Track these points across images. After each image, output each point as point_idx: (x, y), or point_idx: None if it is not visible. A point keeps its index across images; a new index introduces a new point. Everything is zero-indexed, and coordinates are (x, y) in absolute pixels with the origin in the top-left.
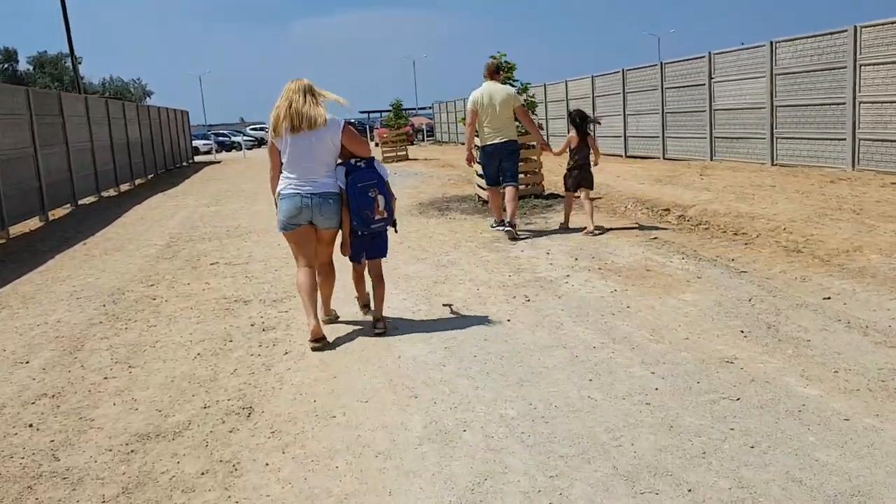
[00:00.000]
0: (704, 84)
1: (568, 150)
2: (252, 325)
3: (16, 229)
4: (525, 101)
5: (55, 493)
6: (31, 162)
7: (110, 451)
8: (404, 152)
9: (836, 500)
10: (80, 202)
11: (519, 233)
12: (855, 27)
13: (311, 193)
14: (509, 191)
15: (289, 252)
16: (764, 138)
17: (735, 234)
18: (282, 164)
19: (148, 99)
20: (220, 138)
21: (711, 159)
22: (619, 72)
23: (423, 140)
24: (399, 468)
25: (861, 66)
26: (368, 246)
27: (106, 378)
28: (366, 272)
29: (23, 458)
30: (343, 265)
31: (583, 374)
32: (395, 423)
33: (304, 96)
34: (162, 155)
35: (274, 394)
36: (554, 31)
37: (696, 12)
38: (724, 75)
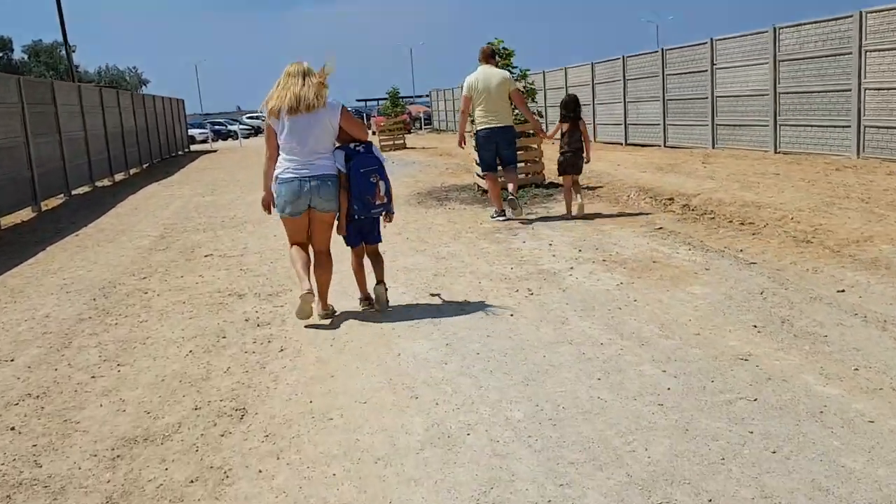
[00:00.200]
0: (706, 70)
1: (560, 134)
2: (246, 320)
3: (7, 220)
4: (525, 87)
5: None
6: (22, 151)
7: (95, 456)
8: (402, 141)
9: None
10: (73, 192)
11: (518, 210)
12: (860, 12)
13: (310, 176)
14: (509, 172)
15: (283, 245)
16: (767, 125)
17: (742, 223)
18: (279, 146)
19: (144, 88)
20: (217, 127)
21: (713, 147)
22: (619, 59)
23: (420, 128)
24: (399, 475)
25: (866, 51)
26: (365, 231)
27: (93, 377)
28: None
29: (2, 463)
30: (340, 256)
31: (591, 373)
32: (395, 425)
33: (303, 79)
34: (157, 144)
35: (268, 394)
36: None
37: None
38: (726, 62)
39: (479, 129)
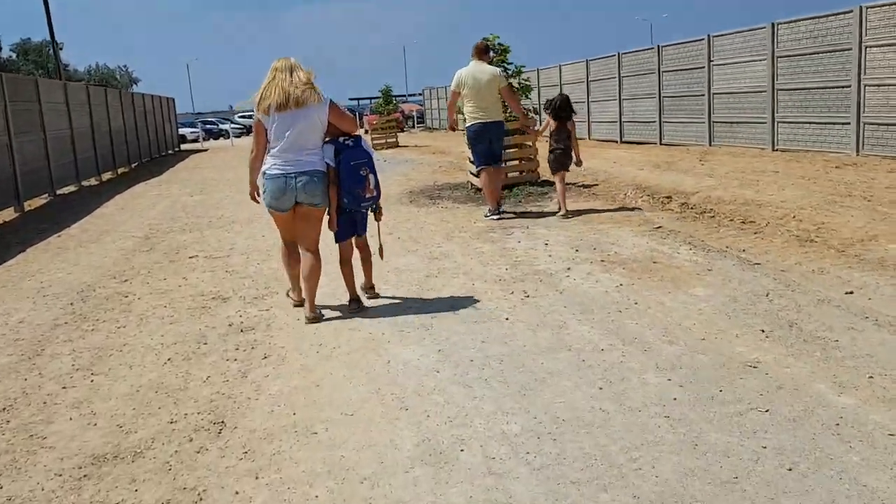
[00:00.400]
0: (703, 67)
1: (548, 132)
2: (230, 325)
3: None
4: (519, 84)
5: None
6: (4, 150)
7: (60, 475)
8: (394, 139)
9: None
10: (58, 192)
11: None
12: (860, 7)
13: (296, 173)
14: (494, 171)
15: (271, 246)
16: (765, 123)
17: (743, 222)
18: (268, 142)
19: (135, 86)
20: (208, 126)
21: (710, 144)
22: (614, 55)
23: (413, 127)
24: (387, 497)
25: (867, 47)
26: (357, 223)
27: (64, 388)
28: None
29: None
30: (328, 256)
31: (592, 382)
32: (383, 440)
33: (291, 74)
34: (147, 143)
35: (249, 405)
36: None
37: None
38: (723, 58)
39: (469, 124)
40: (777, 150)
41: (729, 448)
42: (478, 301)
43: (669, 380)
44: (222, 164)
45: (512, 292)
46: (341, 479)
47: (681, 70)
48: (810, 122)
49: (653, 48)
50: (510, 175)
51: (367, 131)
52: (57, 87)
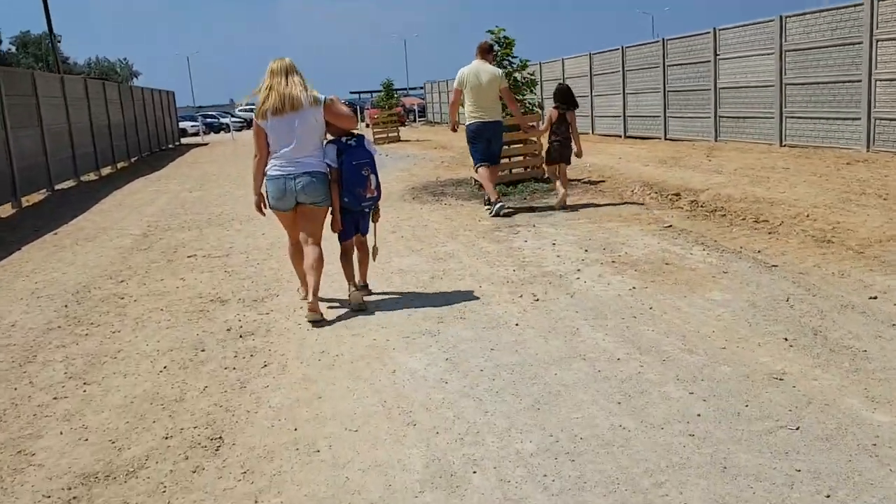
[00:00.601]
0: (709, 61)
1: (550, 124)
2: (228, 329)
3: None
4: (524, 79)
5: None
6: (1, 145)
7: (48, 497)
8: (395, 134)
9: None
10: (56, 187)
11: (508, 208)
12: (871, 0)
13: (296, 174)
14: (491, 169)
15: (271, 245)
16: (772, 118)
17: (756, 221)
18: (268, 146)
19: (135, 80)
20: (209, 120)
21: (716, 140)
22: (618, 49)
23: (414, 121)
24: None
25: (878, 41)
26: (359, 222)
27: (56, 398)
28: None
29: None
30: (330, 252)
31: (609, 395)
32: (390, 460)
33: (286, 77)
34: (146, 137)
35: (248, 419)
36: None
37: None
38: (730, 52)
39: (468, 122)
40: (785, 145)
41: (760, 471)
42: (486, 305)
43: (691, 393)
44: (222, 159)
45: (521, 295)
46: (346, 503)
47: (686, 64)
48: (820, 118)
49: (658, 41)
50: (515, 171)
51: (367, 125)
52: (54, 80)
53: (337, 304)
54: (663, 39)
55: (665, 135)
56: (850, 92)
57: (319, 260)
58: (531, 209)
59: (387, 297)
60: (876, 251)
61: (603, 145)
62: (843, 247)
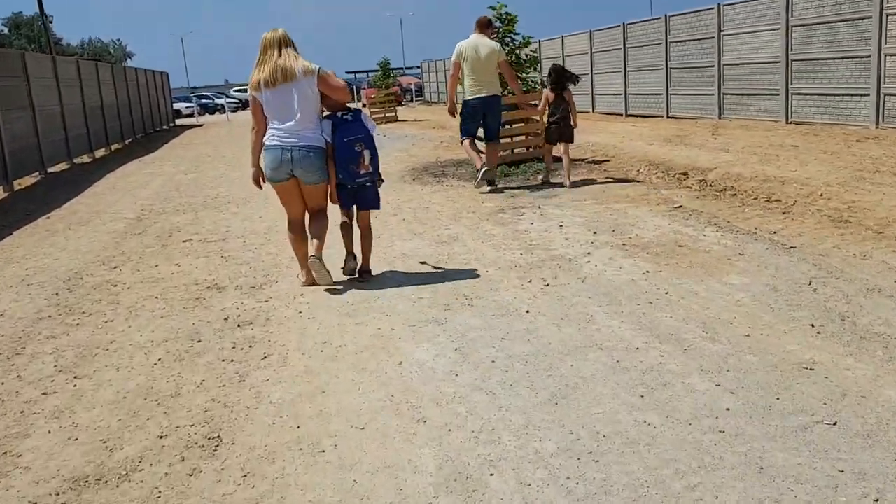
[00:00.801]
0: (713, 37)
1: (547, 105)
2: (226, 318)
3: None
4: (527, 56)
5: None
6: None
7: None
8: (393, 113)
9: None
10: (49, 170)
11: (499, 185)
12: None
13: (293, 146)
14: (491, 147)
15: (269, 229)
16: (778, 94)
17: (768, 200)
18: (265, 119)
19: (129, 60)
20: (203, 101)
21: (720, 117)
22: (619, 26)
23: (411, 100)
24: None
25: (888, 15)
26: (359, 197)
27: (44, 394)
28: (354, 223)
29: None
30: (332, 260)
31: (631, 388)
32: (400, 461)
33: (280, 49)
34: (140, 118)
35: (248, 416)
36: None
37: None
38: (734, 28)
39: (467, 98)
40: (791, 122)
41: (800, 472)
42: (494, 291)
43: (718, 385)
44: (217, 140)
45: (530, 280)
46: None
47: (689, 41)
48: (827, 94)
49: (660, 18)
50: (517, 151)
51: (364, 105)
52: (46, 61)
53: (339, 289)
54: (666, 16)
55: (667, 113)
56: (859, 67)
57: (324, 223)
58: (533, 188)
59: (390, 282)
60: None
61: (604, 123)
62: (861, 227)
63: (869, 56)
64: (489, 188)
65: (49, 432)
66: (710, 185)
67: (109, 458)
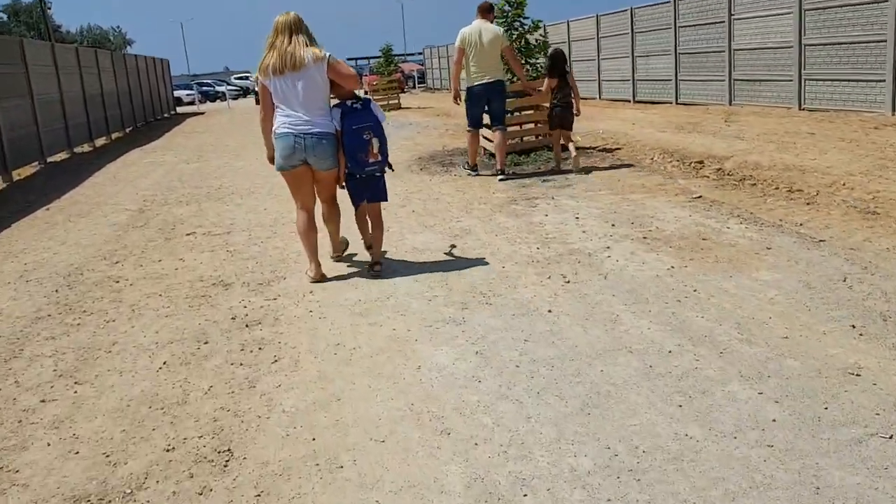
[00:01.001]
0: (724, 22)
1: (550, 90)
2: (233, 318)
3: None
4: (536, 41)
5: None
6: None
7: None
8: (396, 101)
9: None
10: (49, 159)
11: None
12: None
13: (305, 133)
14: (498, 136)
15: (275, 221)
16: (791, 80)
17: (790, 191)
18: (273, 104)
19: (129, 48)
20: (204, 88)
21: (731, 104)
22: (626, 10)
23: (413, 87)
24: None
25: None
26: (367, 189)
27: (43, 401)
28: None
29: None
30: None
31: (667, 396)
32: (425, 479)
33: (290, 36)
34: (141, 106)
35: (260, 427)
36: None
37: None
38: (745, 11)
39: (471, 84)
40: (804, 109)
41: (861, 493)
42: (512, 288)
43: (760, 393)
44: (219, 128)
45: (549, 276)
46: None
47: (699, 25)
48: (841, 80)
49: (669, 2)
50: (526, 139)
51: (366, 92)
52: (44, 48)
53: (350, 285)
54: (675, 0)
55: (676, 99)
56: (875, 53)
57: (335, 212)
58: (542, 176)
59: (403, 278)
60: None
61: (612, 110)
62: (890, 218)
63: (885, 41)
64: (500, 178)
65: (48, 445)
66: (729, 175)
67: (113, 475)
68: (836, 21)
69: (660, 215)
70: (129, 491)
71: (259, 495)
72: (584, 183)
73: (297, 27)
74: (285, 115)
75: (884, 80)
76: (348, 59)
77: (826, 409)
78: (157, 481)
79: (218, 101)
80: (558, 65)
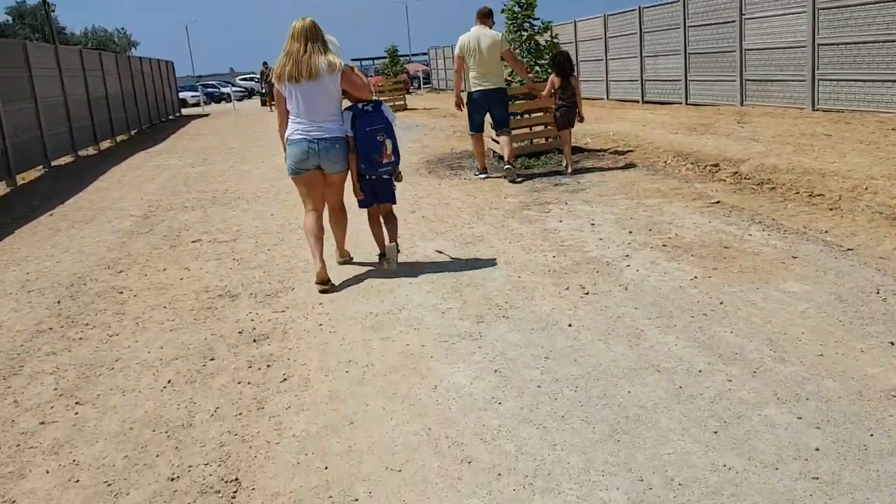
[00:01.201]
0: (734, 21)
1: (553, 90)
2: (240, 332)
3: None
4: (546, 42)
5: None
6: None
7: None
8: (402, 102)
9: None
10: (53, 163)
11: (518, 177)
12: None
13: (318, 139)
14: (504, 139)
15: (282, 227)
16: (804, 80)
17: (811, 195)
18: (288, 110)
19: (133, 49)
20: (209, 90)
21: (742, 104)
22: (635, 10)
23: (418, 88)
24: None
25: None
26: (377, 191)
27: (43, 423)
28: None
29: None
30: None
31: (701, 421)
32: None
33: (305, 44)
34: (146, 109)
35: (269, 453)
36: None
37: None
38: (757, 11)
39: (471, 90)
40: (818, 109)
41: None
42: (529, 300)
43: (800, 418)
44: (224, 130)
45: (567, 287)
46: None
47: (709, 25)
48: (856, 80)
49: (678, 1)
50: (536, 142)
51: (371, 93)
52: (48, 51)
53: (361, 297)
54: None
55: (686, 99)
56: (892, 52)
57: (343, 218)
58: (550, 177)
59: (415, 289)
60: None
61: (621, 111)
62: None
63: None
64: (507, 167)
65: (47, 472)
66: (746, 179)
67: None
68: (851, 20)
69: (678, 221)
70: None
71: None
72: (597, 187)
73: (312, 34)
74: (298, 121)
75: None
76: (352, 60)
77: (871, 435)
78: None
79: (223, 102)
80: (563, 67)
